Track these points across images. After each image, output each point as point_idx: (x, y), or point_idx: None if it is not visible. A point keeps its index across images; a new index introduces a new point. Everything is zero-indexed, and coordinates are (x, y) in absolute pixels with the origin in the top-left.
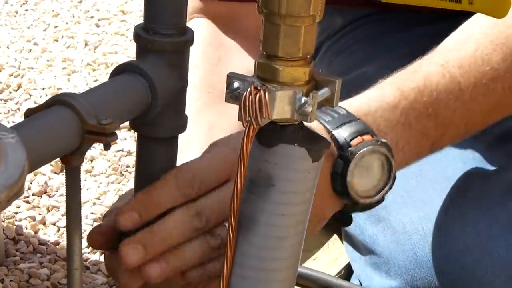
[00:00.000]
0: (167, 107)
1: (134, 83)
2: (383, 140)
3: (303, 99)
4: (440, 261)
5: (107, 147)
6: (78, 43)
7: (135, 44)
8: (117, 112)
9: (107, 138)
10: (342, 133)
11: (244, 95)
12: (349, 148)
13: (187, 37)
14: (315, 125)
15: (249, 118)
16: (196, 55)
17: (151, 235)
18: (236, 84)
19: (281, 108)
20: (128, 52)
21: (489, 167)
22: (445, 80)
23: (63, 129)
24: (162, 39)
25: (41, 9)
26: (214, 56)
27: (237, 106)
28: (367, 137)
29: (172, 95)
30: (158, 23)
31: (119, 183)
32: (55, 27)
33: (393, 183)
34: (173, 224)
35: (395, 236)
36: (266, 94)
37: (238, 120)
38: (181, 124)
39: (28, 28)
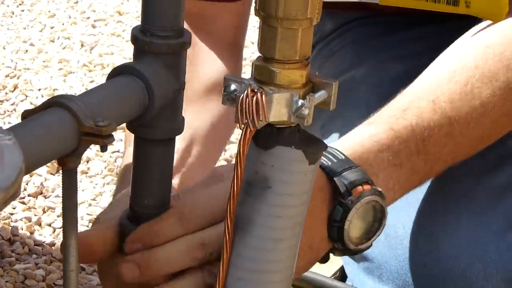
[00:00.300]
0: (164, 109)
1: (131, 85)
2: (379, 189)
3: (300, 101)
4: (432, 266)
5: (103, 149)
6: (74, 44)
7: (132, 45)
8: (114, 114)
9: (104, 140)
10: (344, 181)
11: (241, 97)
12: (350, 197)
13: (184, 39)
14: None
15: (246, 120)
16: None
17: (149, 258)
18: (233, 87)
19: (278, 110)
20: (124, 53)
21: (480, 170)
22: (436, 117)
23: (60, 131)
24: (159, 41)
25: (37, 9)
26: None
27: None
28: (366, 187)
29: (169, 97)
30: (155, 25)
31: (114, 184)
32: (51, 27)
33: (382, 230)
34: (175, 251)
35: (387, 241)
36: (263, 96)
37: (235, 122)
38: (178, 125)
39: (24, 28)
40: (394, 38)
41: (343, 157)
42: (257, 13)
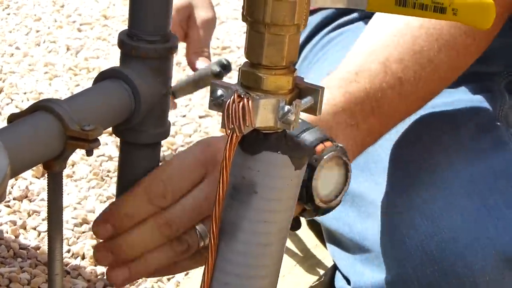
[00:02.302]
0: (150, 114)
1: (118, 89)
2: (340, 145)
3: (286, 107)
4: (430, 249)
5: (89, 153)
6: (60, 47)
7: (119, 50)
8: (100, 118)
9: (90, 145)
10: (306, 138)
11: (227, 102)
12: (314, 156)
13: (171, 44)
14: None
15: (232, 125)
16: None
17: (119, 244)
18: (219, 92)
19: (264, 116)
20: (110, 57)
21: (475, 154)
22: (387, 78)
23: (46, 135)
24: (146, 46)
25: (23, 13)
26: None
27: None
28: (328, 143)
29: (155, 102)
30: (142, 29)
31: (100, 188)
32: (37, 31)
33: (349, 185)
34: (141, 234)
35: (383, 229)
36: (250, 102)
37: (222, 127)
38: (164, 130)
39: (10, 32)
40: None
41: (300, 120)
42: (244, 18)
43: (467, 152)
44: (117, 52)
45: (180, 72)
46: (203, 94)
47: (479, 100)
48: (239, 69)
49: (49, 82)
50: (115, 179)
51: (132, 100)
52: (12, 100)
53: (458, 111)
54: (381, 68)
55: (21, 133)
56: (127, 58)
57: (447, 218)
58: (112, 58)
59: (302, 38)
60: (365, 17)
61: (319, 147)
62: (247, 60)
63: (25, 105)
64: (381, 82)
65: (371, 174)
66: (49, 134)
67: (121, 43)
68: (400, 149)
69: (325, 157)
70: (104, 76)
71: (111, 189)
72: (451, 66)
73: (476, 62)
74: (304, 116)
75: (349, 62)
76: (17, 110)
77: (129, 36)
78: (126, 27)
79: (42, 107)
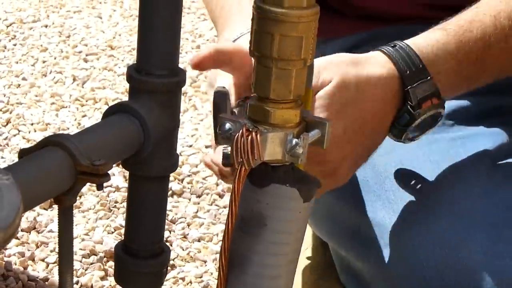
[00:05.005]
0: (159, 147)
1: (127, 124)
2: (444, 100)
3: (294, 141)
4: (448, 279)
5: (99, 187)
6: (66, 78)
7: (127, 83)
8: (110, 152)
9: (100, 179)
10: (417, 93)
11: (236, 136)
12: (419, 110)
13: (179, 78)
14: (388, 72)
15: (241, 159)
16: None
17: None
18: (227, 126)
19: (272, 149)
20: (116, 87)
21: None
22: (496, 32)
23: (57, 170)
24: (154, 80)
25: (29, 43)
26: None
27: None
28: (435, 101)
29: (164, 135)
30: (150, 64)
31: (107, 218)
32: (44, 61)
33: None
34: None
35: (400, 256)
36: (258, 136)
37: (231, 161)
38: (173, 162)
39: (17, 63)
40: None
41: (420, 66)
42: (251, 53)
43: (485, 184)
44: (123, 82)
45: (186, 101)
46: (208, 124)
47: (498, 133)
48: (247, 103)
49: (56, 113)
50: (122, 210)
51: (141, 134)
52: (19, 131)
53: (478, 144)
54: (492, 21)
55: (33, 169)
56: (135, 92)
57: (465, 249)
58: (118, 88)
59: None
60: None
61: (427, 103)
62: (254, 94)
63: (32, 136)
64: (490, 34)
65: (389, 202)
66: (60, 170)
67: (130, 78)
68: (420, 179)
69: (427, 113)
70: (112, 111)
71: (119, 219)
72: None
73: (500, 95)
74: (422, 56)
75: (466, 12)
76: (24, 141)
77: (137, 70)
78: (132, 57)
79: (53, 142)
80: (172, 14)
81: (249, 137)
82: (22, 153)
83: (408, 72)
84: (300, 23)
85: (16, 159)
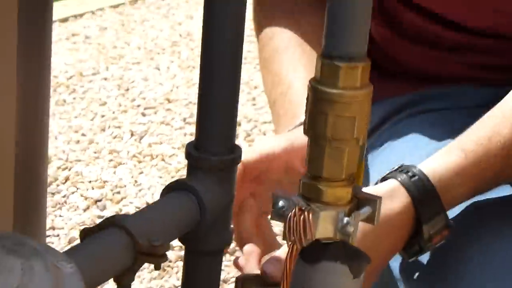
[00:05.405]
0: (215, 222)
1: (184, 202)
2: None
3: (346, 219)
4: None
5: (157, 267)
6: (124, 133)
7: (182, 134)
8: (168, 231)
9: (158, 259)
10: (430, 230)
11: (289, 216)
12: (429, 244)
13: (235, 154)
14: (406, 209)
15: (294, 238)
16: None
17: None
18: (281, 203)
19: (324, 227)
20: (173, 142)
21: None
22: None
23: (117, 251)
24: (212, 158)
25: (88, 97)
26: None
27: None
28: (445, 233)
29: (220, 211)
30: (209, 142)
31: (161, 278)
32: (102, 116)
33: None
34: None
35: None
36: (310, 215)
37: (283, 239)
38: (227, 237)
39: (76, 117)
40: (449, 128)
41: (437, 200)
42: (305, 132)
43: None
44: (180, 136)
45: None
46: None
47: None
48: (300, 180)
49: (114, 170)
50: (176, 269)
51: (198, 211)
52: (77, 188)
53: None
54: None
55: (94, 252)
56: (193, 169)
57: None
58: (175, 143)
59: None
60: (427, 110)
61: (438, 238)
62: (307, 172)
63: (90, 194)
64: (508, 149)
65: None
66: (120, 250)
67: (188, 155)
68: (454, 234)
69: (435, 245)
70: (171, 188)
71: (172, 279)
72: None
73: None
74: (438, 186)
75: (482, 126)
76: (82, 199)
77: (196, 148)
78: (188, 111)
79: (113, 223)
80: (231, 95)
81: (302, 216)
82: (84, 234)
83: (423, 210)
84: (353, 103)
85: (73, 217)
